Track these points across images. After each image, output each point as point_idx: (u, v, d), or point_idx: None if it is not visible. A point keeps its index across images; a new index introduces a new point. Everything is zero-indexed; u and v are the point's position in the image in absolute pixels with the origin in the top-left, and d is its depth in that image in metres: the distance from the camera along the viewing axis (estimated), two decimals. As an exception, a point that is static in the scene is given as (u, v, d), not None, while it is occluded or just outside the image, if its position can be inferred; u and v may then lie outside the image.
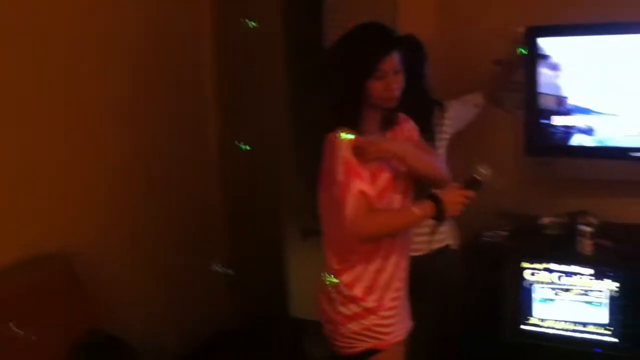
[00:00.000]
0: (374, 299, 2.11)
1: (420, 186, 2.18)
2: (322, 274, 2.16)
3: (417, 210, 2.04)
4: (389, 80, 2.02)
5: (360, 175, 1.98)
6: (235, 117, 3.91)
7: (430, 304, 2.86)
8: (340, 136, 1.99)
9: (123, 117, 3.25)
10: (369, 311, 2.11)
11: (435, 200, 2.03)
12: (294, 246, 3.93)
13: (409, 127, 2.22)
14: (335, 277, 2.11)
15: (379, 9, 3.15)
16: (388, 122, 2.14)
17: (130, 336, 2.74)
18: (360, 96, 2.03)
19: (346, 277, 2.11)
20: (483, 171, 2.10)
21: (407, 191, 2.14)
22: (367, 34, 2.05)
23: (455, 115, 2.96)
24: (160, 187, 3.51)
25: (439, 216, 2.04)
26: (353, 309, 2.11)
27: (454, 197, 2.06)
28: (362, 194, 1.97)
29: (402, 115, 2.20)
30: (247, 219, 3.95)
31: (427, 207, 2.03)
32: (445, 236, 2.92)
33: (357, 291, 2.10)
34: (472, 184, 2.08)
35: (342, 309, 2.12)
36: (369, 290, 2.11)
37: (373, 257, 2.11)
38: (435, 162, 2.25)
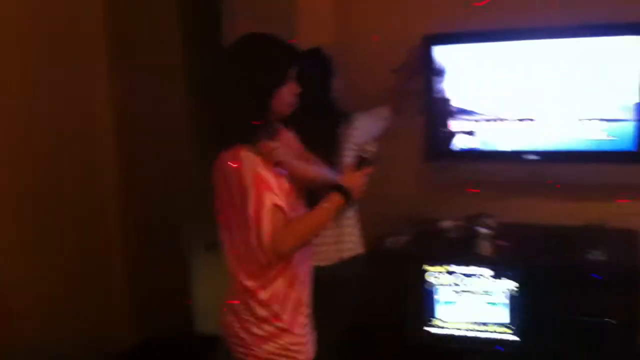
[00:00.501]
0: (289, 317, 2.06)
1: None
2: (231, 295, 2.08)
3: (327, 204, 2.01)
4: (294, 86, 2.03)
5: (271, 188, 1.93)
6: (134, 125, 3.80)
7: (338, 313, 2.88)
8: (247, 151, 1.94)
9: (11, 118, 3.14)
10: (284, 330, 2.05)
11: (339, 188, 2.03)
12: (198, 258, 3.85)
13: (288, 137, 2.20)
14: (250, 297, 2.03)
15: (276, 17, 3.14)
16: (271, 133, 2.10)
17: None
18: (267, 106, 1.99)
19: (262, 296, 2.03)
20: (369, 148, 2.16)
21: (302, 196, 2.13)
22: (272, 41, 2.02)
23: (362, 127, 2.95)
24: (54, 196, 3.39)
25: (349, 201, 2.04)
26: (268, 329, 2.03)
27: (353, 179, 2.07)
28: (277, 207, 1.92)
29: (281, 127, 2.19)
30: (148, 231, 3.84)
31: (335, 197, 2.02)
32: (356, 245, 2.93)
33: (273, 310, 2.03)
34: (362, 162, 2.12)
35: (256, 330, 2.04)
36: (284, 307, 2.05)
37: (287, 271, 2.05)
38: (318, 169, 2.23)
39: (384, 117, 3.07)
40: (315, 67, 2.89)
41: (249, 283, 2.03)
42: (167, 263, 3.81)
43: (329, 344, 2.83)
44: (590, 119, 2.95)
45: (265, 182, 1.93)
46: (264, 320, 2.03)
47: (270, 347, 2.04)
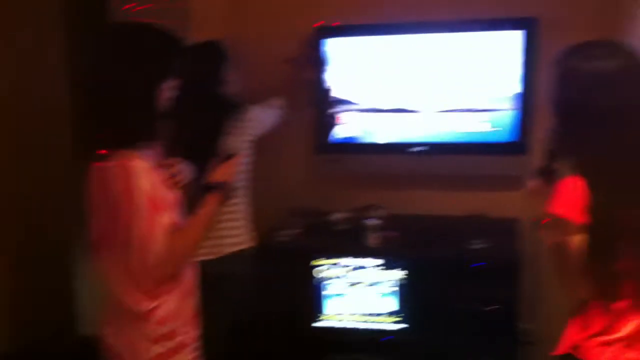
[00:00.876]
0: (185, 331, 1.97)
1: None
2: (114, 317, 1.95)
3: (204, 209, 1.94)
4: (173, 80, 1.91)
5: (165, 207, 1.83)
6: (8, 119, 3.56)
7: (222, 310, 2.82)
8: (136, 162, 1.79)
9: None
10: (183, 344, 1.96)
11: (212, 187, 1.99)
12: (81, 255, 3.68)
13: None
14: (141, 319, 1.88)
15: (168, 9, 3.05)
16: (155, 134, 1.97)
17: None
18: (153, 103, 1.85)
19: (159, 314, 1.89)
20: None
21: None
22: (155, 32, 1.89)
23: (256, 118, 2.96)
24: None
25: (225, 194, 2.00)
26: (160, 350, 1.91)
27: (225, 172, 2.05)
28: (171, 226, 1.82)
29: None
30: (28, 233, 3.62)
31: (210, 199, 1.96)
32: (240, 240, 2.89)
33: (170, 326, 1.92)
34: (228, 157, 2.13)
35: (156, 348, 1.90)
36: (179, 323, 1.95)
37: (177, 286, 1.94)
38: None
39: (277, 108, 3.08)
40: (208, 60, 2.88)
41: (140, 305, 1.87)
42: (49, 266, 3.62)
43: (215, 341, 2.83)
44: (472, 111, 3.05)
45: (160, 200, 1.81)
46: (164, 337, 1.91)
47: None
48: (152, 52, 1.86)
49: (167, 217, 1.82)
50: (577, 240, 1.75)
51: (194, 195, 2.02)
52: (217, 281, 2.67)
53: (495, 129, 3.04)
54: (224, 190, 2.00)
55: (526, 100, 2.97)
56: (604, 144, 1.77)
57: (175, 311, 1.93)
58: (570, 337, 1.89)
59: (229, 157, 2.12)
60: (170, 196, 1.89)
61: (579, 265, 1.76)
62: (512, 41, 2.97)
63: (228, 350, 2.83)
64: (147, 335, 1.89)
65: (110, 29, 1.97)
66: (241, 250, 2.88)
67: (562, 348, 1.90)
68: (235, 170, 2.10)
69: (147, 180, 1.78)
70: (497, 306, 2.81)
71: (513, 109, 3.00)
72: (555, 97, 1.84)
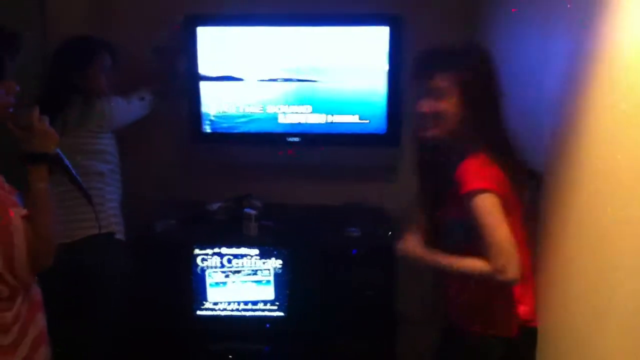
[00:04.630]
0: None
1: None
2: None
3: (40, 184, 1.82)
4: (11, 83, 1.80)
5: (11, 201, 1.74)
6: None
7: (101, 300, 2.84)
8: None
9: None
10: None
11: (36, 157, 1.83)
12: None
13: None
14: None
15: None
16: None
17: None
18: None
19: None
20: None
21: None
22: None
23: (119, 110, 2.94)
24: None
25: (55, 162, 1.88)
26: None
27: (44, 135, 1.87)
28: (25, 219, 1.73)
29: None
30: None
31: (40, 169, 1.83)
32: (109, 222, 2.88)
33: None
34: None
35: None
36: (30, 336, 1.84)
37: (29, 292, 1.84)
38: None
39: (142, 96, 3.07)
40: (69, 55, 2.87)
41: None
42: None
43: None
44: (343, 103, 3.16)
45: (5, 196, 1.72)
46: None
47: None
48: None
49: (21, 212, 1.74)
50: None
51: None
52: (78, 268, 2.71)
53: (366, 121, 3.16)
54: (48, 162, 1.86)
55: (394, 94, 3.11)
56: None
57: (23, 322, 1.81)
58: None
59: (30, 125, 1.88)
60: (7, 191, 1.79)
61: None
62: (379, 36, 3.09)
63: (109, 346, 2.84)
64: None
65: None
66: (90, 236, 2.82)
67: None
68: (50, 130, 1.90)
69: None
70: (372, 292, 2.94)
71: (383, 102, 3.13)
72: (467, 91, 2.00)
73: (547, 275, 2.12)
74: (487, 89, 2.03)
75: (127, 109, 3.01)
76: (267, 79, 3.17)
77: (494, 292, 2.05)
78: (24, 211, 1.74)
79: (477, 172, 1.94)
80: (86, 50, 2.90)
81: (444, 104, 2.01)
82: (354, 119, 3.17)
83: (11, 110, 1.81)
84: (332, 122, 3.19)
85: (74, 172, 1.98)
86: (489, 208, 1.88)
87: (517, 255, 1.86)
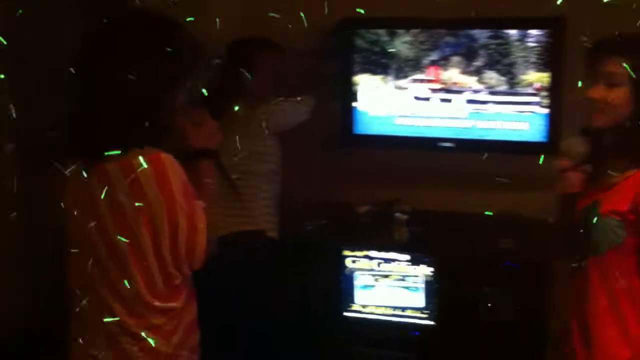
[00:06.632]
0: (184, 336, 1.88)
1: None
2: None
3: (207, 180, 1.88)
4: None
5: (193, 193, 1.77)
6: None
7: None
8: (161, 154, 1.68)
9: None
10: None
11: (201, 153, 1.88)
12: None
13: None
14: (157, 338, 1.77)
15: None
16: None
17: None
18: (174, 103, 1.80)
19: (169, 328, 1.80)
20: None
21: None
22: (187, 33, 1.83)
23: (281, 113, 2.97)
24: None
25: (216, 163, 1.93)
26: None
27: (213, 133, 1.93)
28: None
29: None
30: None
31: (204, 167, 1.88)
32: (262, 220, 2.92)
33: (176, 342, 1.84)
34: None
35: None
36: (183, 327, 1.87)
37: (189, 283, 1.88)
38: None
39: (306, 104, 3.06)
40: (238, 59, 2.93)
41: (156, 318, 1.79)
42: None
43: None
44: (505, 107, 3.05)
45: (192, 191, 1.75)
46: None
47: None
48: (182, 53, 1.77)
49: (202, 206, 1.78)
50: None
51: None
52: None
53: (526, 128, 3.04)
54: (211, 156, 1.91)
55: (556, 100, 2.98)
56: None
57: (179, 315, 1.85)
58: None
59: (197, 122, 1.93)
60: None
61: None
62: (540, 39, 2.96)
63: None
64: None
65: (139, 22, 1.79)
66: (259, 231, 2.89)
67: None
68: (214, 134, 1.94)
69: (180, 169, 1.72)
70: (525, 308, 2.82)
71: (544, 109, 3.01)
72: None
73: None
74: None
75: (291, 112, 3.01)
76: (421, 82, 3.12)
77: None
78: (203, 204, 1.78)
79: None
80: (253, 51, 2.96)
81: (615, 92, 1.90)
82: (512, 125, 3.06)
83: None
84: (487, 128, 3.09)
85: (227, 170, 2.01)
86: None
87: None
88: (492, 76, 3.02)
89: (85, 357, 1.80)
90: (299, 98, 3.05)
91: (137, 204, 1.66)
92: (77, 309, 1.80)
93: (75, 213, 1.75)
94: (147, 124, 1.68)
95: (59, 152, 1.76)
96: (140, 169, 1.64)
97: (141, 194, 1.66)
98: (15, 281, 3.51)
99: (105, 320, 1.77)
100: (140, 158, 1.64)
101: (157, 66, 1.70)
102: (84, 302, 1.79)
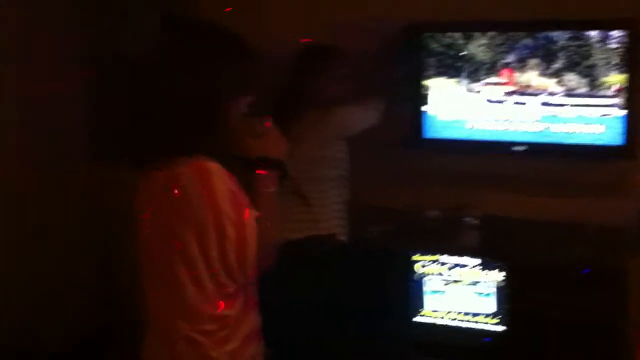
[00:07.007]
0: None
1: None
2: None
3: (268, 189, 1.82)
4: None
5: (245, 202, 1.75)
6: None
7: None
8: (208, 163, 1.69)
9: None
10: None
11: (263, 163, 1.82)
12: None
13: None
14: (210, 344, 1.78)
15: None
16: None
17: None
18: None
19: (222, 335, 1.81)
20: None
21: None
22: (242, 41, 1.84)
23: (350, 119, 2.98)
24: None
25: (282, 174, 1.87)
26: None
27: (277, 142, 1.86)
28: (257, 220, 1.75)
29: None
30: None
31: (266, 177, 1.82)
32: (331, 224, 2.92)
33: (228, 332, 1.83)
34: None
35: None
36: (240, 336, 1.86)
37: (244, 289, 1.85)
38: None
39: (374, 108, 3.04)
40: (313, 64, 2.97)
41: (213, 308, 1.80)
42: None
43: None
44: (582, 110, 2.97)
45: (241, 198, 1.74)
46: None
47: None
48: (237, 61, 1.78)
49: (254, 214, 1.75)
50: None
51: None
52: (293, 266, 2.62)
53: (600, 131, 2.96)
54: (277, 167, 1.85)
55: (633, 102, 2.89)
56: None
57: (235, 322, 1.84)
58: None
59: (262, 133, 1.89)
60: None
61: None
62: (617, 41, 2.88)
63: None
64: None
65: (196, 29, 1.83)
66: (330, 235, 2.90)
67: None
68: (277, 143, 1.89)
69: (227, 177, 1.72)
70: (599, 316, 2.74)
71: (621, 111, 2.92)
72: None
73: None
74: None
75: (359, 117, 3.00)
76: (494, 85, 3.07)
77: None
78: (256, 213, 1.76)
79: None
80: (320, 58, 2.98)
81: None
82: (588, 128, 2.98)
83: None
84: (562, 132, 3.02)
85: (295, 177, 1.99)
86: None
87: None
88: (571, 78, 2.95)
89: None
90: (366, 102, 3.04)
91: (182, 212, 1.68)
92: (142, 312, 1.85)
93: (137, 216, 1.81)
94: (201, 132, 1.70)
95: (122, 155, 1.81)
96: (185, 177, 1.66)
97: (187, 202, 1.67)
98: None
99: (160, 322, 1.82)
100: (187, 166, 1.66)
101: (211, 74, 1.72)
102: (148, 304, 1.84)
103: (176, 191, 1.67)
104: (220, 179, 1.68)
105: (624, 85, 2.87)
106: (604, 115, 2.93)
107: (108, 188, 3.33)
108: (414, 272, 2.94)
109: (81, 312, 3.62)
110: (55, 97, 3.34)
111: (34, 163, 3.33)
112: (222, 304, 1.78)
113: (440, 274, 2.92)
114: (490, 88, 3.07)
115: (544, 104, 3.01)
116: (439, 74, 3.15)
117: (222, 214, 1.67)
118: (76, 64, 3.43)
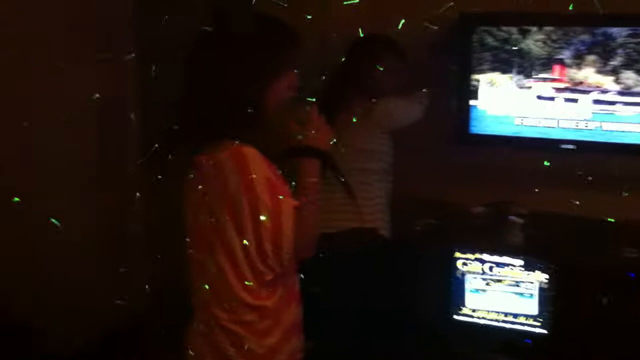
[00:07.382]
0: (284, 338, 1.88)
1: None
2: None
3: (314, 178, 1.81)
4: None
5: (284, 190, 1.74)
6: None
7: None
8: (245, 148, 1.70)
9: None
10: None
11: (312, 153, 1.80)
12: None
13: None
14: (249, 336, 1.79)
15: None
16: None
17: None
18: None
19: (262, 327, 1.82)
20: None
21: None
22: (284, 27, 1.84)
23: (398, 111, 2.97)
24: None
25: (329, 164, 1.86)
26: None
27: (322, 131, 1.84)
28: (295, 209, 1.73)
29: None
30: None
31: (308, 166, 1.80)
32: (374, 218, 2.89)
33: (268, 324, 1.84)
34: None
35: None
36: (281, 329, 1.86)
37: (281, 278, 1.84)
38: None
39: (421, 102, 3.01)
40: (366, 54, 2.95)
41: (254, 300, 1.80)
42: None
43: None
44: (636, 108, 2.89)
45: (278, 185, 1.73)
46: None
47: None
48: (277, 48, 1.78)
49: (292, 202, 1.74)
50: None
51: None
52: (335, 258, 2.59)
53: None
54: (320, 157, 1.83)
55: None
56: None
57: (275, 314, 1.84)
58: None
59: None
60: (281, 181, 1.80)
61: None
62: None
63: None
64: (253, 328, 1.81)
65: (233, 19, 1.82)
66: (371, 229, 2.88)
67: None
68: (322, 132, 1.86)
69: (263, 164, 1.72)
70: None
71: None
72: None
73: None
74: None
75: (407, 110, 2.98)
76: (544, 81, 3.00)
77: None
78: (295, 202, 1.74)
79: None
80: (374, 49, 2.95)
81: None
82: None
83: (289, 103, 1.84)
84: (613, 131, 2.94)
85: (340, 168, 1.97)
86: None
87: None
88: (629, 76, 2.87)
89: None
90: (415, 96, 3.01)
91: (222, 197, 1.70)
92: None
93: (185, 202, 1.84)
94: (241, 118, 1.71)
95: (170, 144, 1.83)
96: (224, 161, 1.68)
97: (224, 186, 1.69)
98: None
99: (200, 311, 1.84)
100: (226, 151, 1.68)
101: (251, 60, 1.73)
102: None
103: (215, 175, 1.69)
104: (257, 164, 1.68)
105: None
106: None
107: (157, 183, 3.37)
108: (456, 269, 2.90)
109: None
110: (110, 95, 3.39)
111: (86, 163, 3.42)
112: (261, 293, 1.79)
113: (482, 272, 2.88)
114: (541, 84, 3.00)
115: (596, 101, 2.93)
116: (492, 69, 3.09)
117: (258, 199, 1.67)
118: (129, 61, 3.46)
